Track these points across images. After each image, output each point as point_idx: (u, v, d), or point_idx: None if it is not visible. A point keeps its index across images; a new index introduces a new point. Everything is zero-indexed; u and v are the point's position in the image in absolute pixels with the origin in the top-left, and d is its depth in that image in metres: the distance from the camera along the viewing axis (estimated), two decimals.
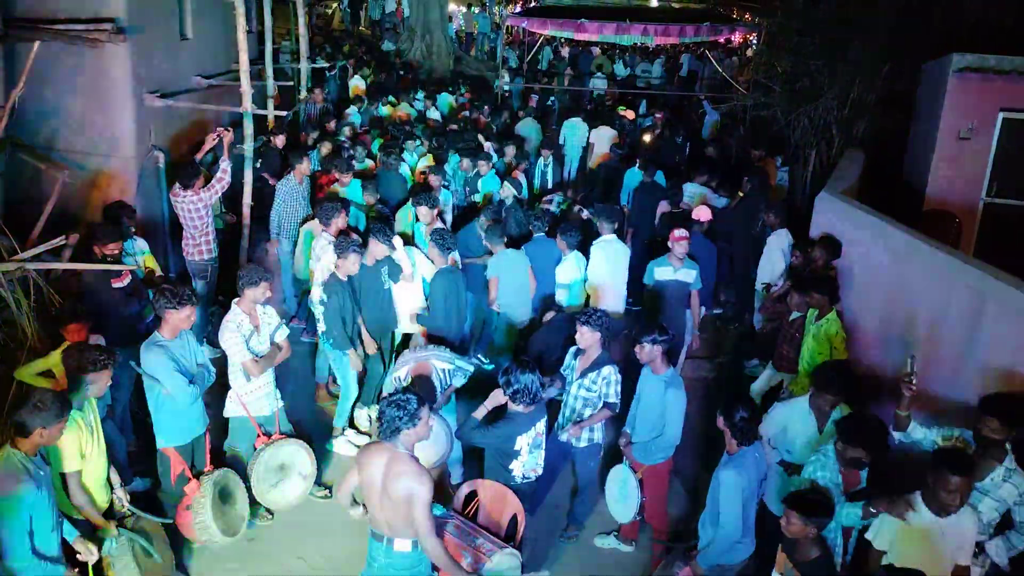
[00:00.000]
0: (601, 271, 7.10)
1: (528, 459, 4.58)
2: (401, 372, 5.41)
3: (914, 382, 4.17)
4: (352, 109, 12.26)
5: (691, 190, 9.24)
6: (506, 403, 4.55)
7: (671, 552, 5.18)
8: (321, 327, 6.14)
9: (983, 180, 8.23)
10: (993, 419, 3.88)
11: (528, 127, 12.60)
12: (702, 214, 8.00)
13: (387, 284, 6.45)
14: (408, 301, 6.67)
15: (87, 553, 4.00)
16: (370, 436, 6.36)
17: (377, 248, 6.27)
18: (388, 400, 3.75)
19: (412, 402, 3.70)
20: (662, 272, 6.82)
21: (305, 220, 7.77)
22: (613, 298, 7.18)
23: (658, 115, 14.19)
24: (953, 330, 5.01)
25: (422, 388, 5.19)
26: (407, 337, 6.88)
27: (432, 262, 6.56)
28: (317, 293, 6.38)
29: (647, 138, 12.47)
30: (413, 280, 6.68)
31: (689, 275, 6.79)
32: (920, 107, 9.45)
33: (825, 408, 4.68)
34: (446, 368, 5.47)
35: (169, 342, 4.69)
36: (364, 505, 3.94)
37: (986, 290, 4.74)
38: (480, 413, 4.56)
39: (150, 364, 4.61)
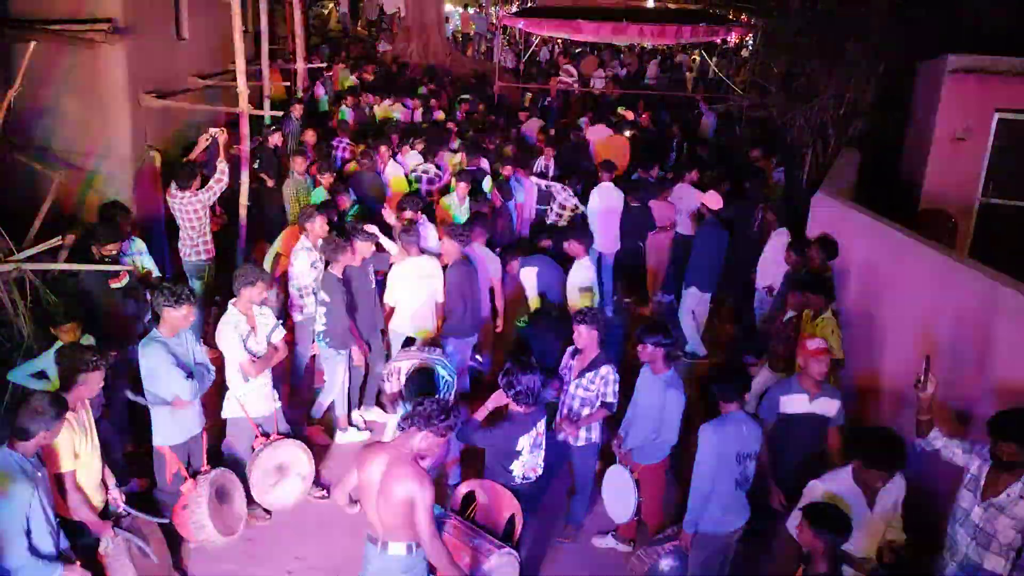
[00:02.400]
0: (600, 209, 8.37)
1: (528, 459, 4.58)
2: (403, 365, 5.38)
3: (927, 385, 3.97)
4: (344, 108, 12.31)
5: (681, 192, 9.19)
6: (506, 404, 4.56)
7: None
8: (318, 327, 6.12)
9: (979, 180, 8.26)
10: (1010, 444, 3.63)
11: (530, 127, 12.72)
12: (712, 201, 7.86)
13: (374, 283, 6.45)
14: (409, 302, 6.57)
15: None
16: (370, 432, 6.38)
17: (363, 247, 6.24)
18: (439, 399, 3.81)
19: (458, 417, 3.77)
20: (792, 402, 4.86)
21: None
22: (609, 237, 8.46)
23: (643, 116, 14.25)
24: (948, 330, 5.03)
25: (423, 380, 5.18)
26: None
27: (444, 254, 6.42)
28: (295, 295, 6.41)
29: (627, 133, 12.58)
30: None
31: (831, 406, 4.85)
32: (916, 107, 9.48)
33: (875, 484, 4.07)
34: (445, 377, 5.41)
35: (168, 339, 4.69)
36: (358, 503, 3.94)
37: (981, 290, 4.76)
38: (481, 413, 4.56)
39: (148, 359, 4.61)
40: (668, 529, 4.89)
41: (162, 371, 4.62)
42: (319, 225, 6.45)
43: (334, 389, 6.23)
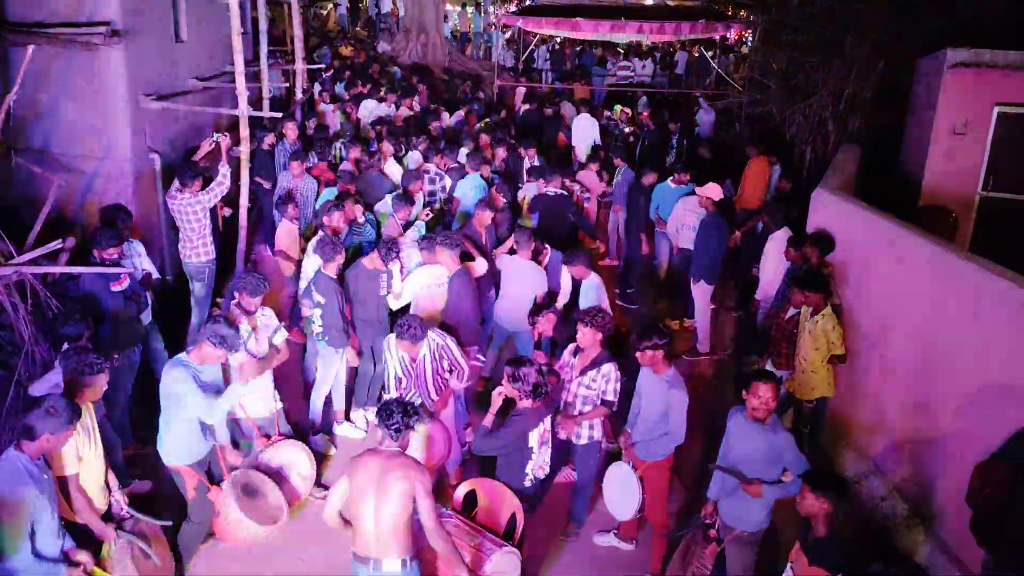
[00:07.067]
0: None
1: (538, 457, 4.60)
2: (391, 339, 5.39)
3: None
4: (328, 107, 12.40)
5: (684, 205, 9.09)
6: (510, 405, 4.56)
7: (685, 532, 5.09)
8: (316, 328, 6.12)
9: (979, 174, 8.23)
10: None
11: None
12: (713, 192, 7.76)
13: (384, 291, 6.43)
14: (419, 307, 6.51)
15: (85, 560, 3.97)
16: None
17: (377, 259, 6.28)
18: (393, 401, 3.82)
19: (411, 407, 3.83)
20: None
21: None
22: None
23: (641, 113, 14.28)
24: (948, 325, 5.02)
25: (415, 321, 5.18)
26: None
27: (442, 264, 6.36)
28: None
29: (627, 129, 12.67)
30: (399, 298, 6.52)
31: None
32: (915, 102, 9.45)
33: None
34: (437, 342, 5.41)
35: (193, 364, 4.66)
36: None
37: (982, 286, 4.75)
38: (488, 420, 4.56)
39: (173, 383, 4.57)
40: (685, 529, 4.89)
41: (188, 395, 4.56)
42: (336, 219, 6.54)
43: (324, 385, 6.24)
